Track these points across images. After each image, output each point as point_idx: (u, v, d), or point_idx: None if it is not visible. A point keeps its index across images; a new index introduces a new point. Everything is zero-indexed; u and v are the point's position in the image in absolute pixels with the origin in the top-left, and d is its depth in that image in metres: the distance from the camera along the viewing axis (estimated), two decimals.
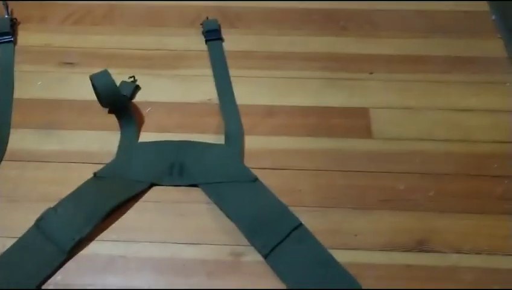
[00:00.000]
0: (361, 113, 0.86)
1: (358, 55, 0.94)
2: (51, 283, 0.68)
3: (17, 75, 0.91)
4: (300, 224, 0.71)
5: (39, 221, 0.70)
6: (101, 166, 0.78)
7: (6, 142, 0.81)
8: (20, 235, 0.70)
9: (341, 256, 0.69)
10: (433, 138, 0.83)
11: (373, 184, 0.77)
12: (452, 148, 0.82)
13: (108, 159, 0.79)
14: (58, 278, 0.68)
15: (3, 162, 0.79)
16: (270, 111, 0.86)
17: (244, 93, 0.88)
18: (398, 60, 0.94)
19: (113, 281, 0.68)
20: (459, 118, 0.85)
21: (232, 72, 0.91)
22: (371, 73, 0.91)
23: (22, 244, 0.69)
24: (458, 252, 0.71)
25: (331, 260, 0.69)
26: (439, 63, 0.93)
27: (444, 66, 0.93)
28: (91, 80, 0.80)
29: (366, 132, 0.83)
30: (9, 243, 0.69)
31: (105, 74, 0.79)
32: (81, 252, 0.70)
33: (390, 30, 0.98)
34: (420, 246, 0.71)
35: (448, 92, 0.89)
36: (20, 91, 0.89)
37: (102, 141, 0.82)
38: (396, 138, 0.83)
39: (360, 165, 0.79)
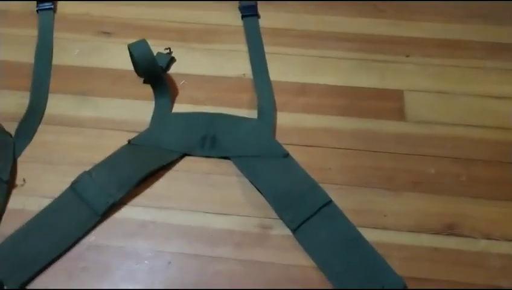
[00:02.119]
0: (395, 95, 0.85)
1: (394, 37, 0.93)
2: (84, 243, 0.70)
3: (55, 42, 0.92)
4: (330, 201, 0.72)
5: (74, 184, 0.72)
6: (134, 134, 0.79)
7: (44, 107, 0.83)
8: (55, 196, 0.72)
9: (368, 235, 0.70)
10: (466, 124, 0.82)
11: (403, 166, 0.77)
12: (485, 134, 0.81)
13: (142, 128, 0.80)
14: (91, 239, 0.70)
15: (40, 126, 0.81)
16: (303, 89, 0.86)
17: (278, 70, 0.88)
18: (435, 44, 0.93)
19: (143, 244, 0.70)
20: (493, 105, 0.84)
21: (266, 48, 0.91)
22: (407, 56, 0.90)
23: (57, 205, 0.71)
24: (488, 238, 0.70)
25: (360, 238, 0.69)
26: (476, 49, 0.92)
27: (480, 52, 0.92)
28: (129, 49, 0.81)
29: (399, 114, 0.83)
30: (45, 203, 0.72)
31: (143, 43, 0.80)
32: (114, 215, 0.72)
33: (428, 14, 0.97)
34: (449, 230, 0.71)
35: (483, 79, 0.88)
36: (58, 58, 0.90)
37: (136, 110, 0.83)
38: (430, 121, 0.82)
39: (391, 147, 0.79)
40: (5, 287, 0.65)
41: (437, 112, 0.83)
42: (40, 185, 0.75)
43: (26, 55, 0.90)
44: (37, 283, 0.66)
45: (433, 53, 0.91)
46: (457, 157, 0.78)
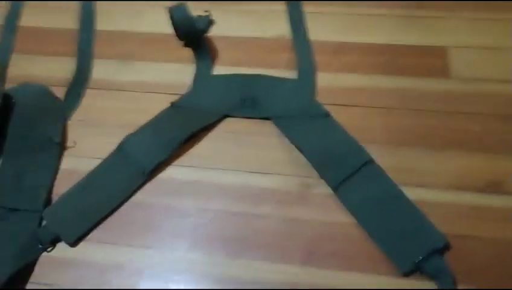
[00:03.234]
0: (439, 52, 0.83)
1: None
2: (132, 200, 0.73)
3: (97, 7, 0.94)
4: (371, 160, 0.72)
5: (121, 145, 0.75)
6: (177, 97, 0.81)
7: (90, 72, 0.86)
8: (104, 156, 0.75)
9: (410, 193, 0.69)
10: None
11: (447, 125, 0.76)
12: None
13: (184, 90, 0.82)
14: (139, 197, 0.73)
15: (87, 90, 0.84)
16: (343, 48, 0.85)
17: (317, 30, 0.87)
18: None
19: (188, 202, 0.73)
20: None
21: (305, 7, 0.90)
22: (452, 11, 0.87)
23: (106, 166, 0.74)
24: None
25: (401, 196, 0.69)
26: None
27: None
28: (169, 13, 0.82)
29: (443, 72, 0.81)
30: (94, 163, 0.75)
31: (183, 7, 0.81)
32: (159, 175, 0.75)
33: None
34: (493, 188, 0.70)
35: None
36: (100, 23, 0.92)
37: (178, 72, 0.85)
38: (475, 78, 0.80)
39: (434, 105, 0.78)
40: (62, 241, 0.70)
41: (483, 68, 0.81)
42: (89, 146, 0.78)
43: (70, 22, 0.93)
44: (91, 236, 0.71)
45: (478, 7, 0.87)
46: (504, 114, 0.76)
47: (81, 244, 0.70)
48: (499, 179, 0.71)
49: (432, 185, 0.71)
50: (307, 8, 0.90)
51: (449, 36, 0.85)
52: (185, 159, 0.76)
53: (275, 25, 0.89)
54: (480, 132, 0.75)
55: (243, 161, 0.75)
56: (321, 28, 0.88)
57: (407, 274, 0.65)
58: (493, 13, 0.87)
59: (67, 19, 0.93)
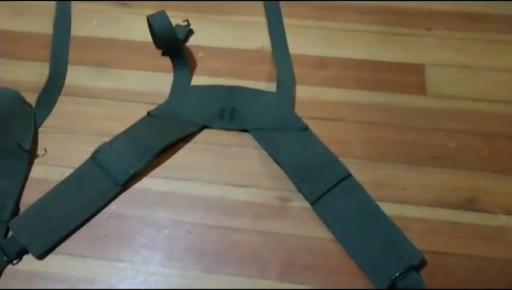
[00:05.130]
0: (416, 69, 0.84)
1: (415, 10, 0.91)
2: (105, 211, 0.71)
3: (73, 13, 0.92)
4: (349, 174, 0.71)
5: (95, 154, 0.73)
6: (154, 106, 0.79)
7: (64, 78, 0.83)
8: (76, 165, 0.73)
9: (388, 208, 0.70)
10: (488, 98, 0.81)
11: (424, 141, 0.77)
12: (507, 109, 0.80)
13: (161, 100, 0.80)
14: (112, 208, 0.71)
15: (60, 97, 0.82)
16: (322, 62, 0.85)
17: (297, 43, 0.87)
18: (457, 17, 0.90)
19: (163, 214, 0.71)
20: None
21: (285, 20, 0.90)
22: (429, 29, 0.89)
23: (79, 175, 0.72)
24: (507, 213, 0.70)
25: (379, 211, 0.69)
26: (499, 22, 0.90)
27: (504, 26, 0.89)
28: (148, 20, 0.81)
29: (420, 89, 0.82)
30: (67, 172, 0.73)
31: (162, 14, 0.80)
32: (134, 185, 0.73)
33: None
34: (469, 205, 0.71)
35: (506, 52, 0.86)
36: (77, 29, 0.90)
37: (155, 81, 0.83)
38: (451, 96, 0.81)
39: (412, 121, 0.78)
40: (29, 253, 0.67)
41: (458, 86, 0.82)
42: (61, 154, 0.76)
43: (45, 27, 0.90)
44: (60, 249, 0.68)
45: (455, 26, 0.89)
46: (479, 132, 0.77)
47: (50, 257, 0.68)
48: (474, 196, 0.72)
49: (409, 200, 0.71)
50: (288, 21, 0.90)
51: (426, 53, 0.86)
52: (161, 170, 0.74)
53: (255, 37, 0.88)
54: (456, 148, 0.76)
55: (220, 173, 0.74)
56: (302, 41, 0.88)
57: None
58: (468, 32, 0.88)
59: (41, 22, 0.90)
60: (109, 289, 0.65)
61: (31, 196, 0.71)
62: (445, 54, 0.86)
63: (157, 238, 0.69)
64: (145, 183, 0.73)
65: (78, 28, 0.90)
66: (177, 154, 0.76)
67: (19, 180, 0.72)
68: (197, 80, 0.84)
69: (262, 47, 0.87)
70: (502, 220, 0.70)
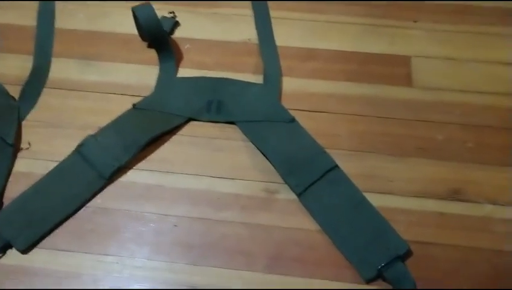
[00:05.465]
0: (403, 61, 0.84)
1: (401, 2, 0.91)
2: (91, 205, 0.70)
3: (59, 6, 0.91)
4: (336, 166, 0.71)
5: (80, 147, 0.72)
6: (139, 98, 0.79)
7: (48, 70, 0.82)
8: (61, 159, 0.72)
9: (374, 200, 0.70)
10: (475, 90, 0.81)
11: (411, 133, 0.77)
12: (494, 101, 0.80)
13: (147, 92, 0.80)
14: (98, 202, 0.71)
15: (45, 89, 0.81)
16: (309, 54, 0.85)
17: (284, 35, 0.87)
18: (444, 9, 0.91)
19: (149, 207, 0.70)
20: (503, 71, 0.83)
21: (272, 13, 0.90)
22: (415, 21, 0.89)
23: (63, 168, 0.71)
24: (493, 203, 0.70)
25: (365, 202, 0.69)
26: (486, 15, 0.90)
27: (491, 18, 0.90)
28: (133, 12, 0.80)
29: (406, 80, 0.82)
30: (51, 165, 0.72)
31: (148, 6, 0.79)
32: (120, 179, 0.72)
33: None
34: (455, 195, 0.71)
35: (493, 44, 0.86)
36: (62, 22, 0.89)
37: (141, 74, 0.83)
38: (438, 88, 0.81)
39: (398, 113, 0.78)
40: (13, 248, 0.66)
41: (445, 78, 0.82)
42: (45, 148, 0.75)
43: (28, 19, 0.89)
44: (45, 243, 0.67)
45: (441, 18, 0.89)
46: (465, 123, 0.77)
47: (35, 251, 0.67)
48: (460, 187, 0.72)
49: (396, 192, 0.71)
50: (275, 14, 0.89)
51: (412, 45, 0.86)
52: (147, 163, 0.74)
53: (242, 29, 0.88)
54: (443, 140, 0.76)
55: (206, 166, 0.74)
56: (288, 33, 0.87)
57: (370, 281, 0.65)
58: (454, 25, 0.89)
59: (26, 16, 0.89)
60: (96, 289, 0.65)
61: (15, 189, 0.70)
62: (431, 46, 0.86)
63: (143, 232, 0.69)
64: (131, 176, 0.73)
65: (64, 21, 0.89)
66: (163, 147, 0.75)
67: (2, 174, 0.71)
68: (183, 72, 0.83)
69: (249, 39, 0.86)
70: (487, 209, 0.70)
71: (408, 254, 0.66)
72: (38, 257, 0.67)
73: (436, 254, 0.67)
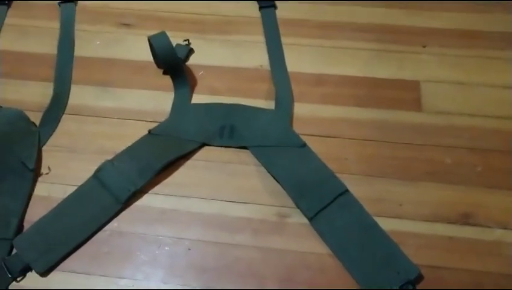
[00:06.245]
0: (412, 86, 0.86)
1: (410, 27, 0.93)
2: (107, 229, 0.72)
3: (77, 34, 0.94)
4: (347, 190, 0.73)
5: (97, 172, 0.75)
6: (155, 124, 0.81)
7: (67, 97, 0.85)
8: (79, 183, 0.74)
9: (384, 224, 0.71)
10: (483, 114, 0.82)
11: (420, 157, 0.78)
12: (503, 125, 0.81)
13: (162, 118, 0.82)
14: (114, 225, 0.73)
15: (64, 116, 0.84)
16: (320, 80, 0.87)
17: (295, 61, 0.89)
18: (452, 34, 0.92)
19: (164, 231, 0.72)
20: (511, 96, 0.84)
21: (283, 39, 0.92)
22: (424, 46, 0.90)
23: (81, 193, 0.74)
24: (504, 227, 0.71)
25: (376, 226, 0.70)
26: (494, 39, 0.92)
27: (499, 43, 0.91)
28: (149, 41, 0.83)
29: (416, 105, 0.83)
30: (69, 189, 0.74)
31: (163, 35, 0.82)
32: (135, 203, 0.74)
33: (445, 3, 0.96)
34: (464, 219, 0.72)
35: (502, 69, 0.88)
36: (80, 49, 0.92)
37: (156, 100, 0.85)
38: (446, 112, 0.82)
39: (408, 137, 0.80)
40: (33, 271, 0.68)
41: (454, 102, 0.84)
42: (64, 173, 0.77)
43: (49, 47, 0.92)
44: (63, 266, 0.69)
45: (450, 43, 0.91)
46: (474, 147, 0.78)
47: (53, 274, 0.69)
48: (470, 211, 0.73)
49: (406, 216, 0.72)
50: (286, 40, 0.92)
51: (422, 70, 0.87)
52: (161, 187, 0.76)
53: (254, 55, 0.90)
54: (452, 164, 0.77)
55: (220, 190, 0.76)
56: (299, 59, 0.90)
57: None
58: (463, 49, 0.90)
59: (46, 44, 0.93)
60: None
61: (34, 213, 0.73)
62: (440, 71, 0.87)
63: (158, 255, 0.70)
64: (146, 200, 0.75)
65: (82, 49, 0.92)
66: (177, 171, 0.77)
67: (23, 199, 0.74)
68: (198, 98, 0.86)
69: (261, 65, 0.89)
70: (497, 234, 0.70)
71: (419, 278, 0.66)
72: (56, 279, 0.69)
73: (447, 278, 0.67)
